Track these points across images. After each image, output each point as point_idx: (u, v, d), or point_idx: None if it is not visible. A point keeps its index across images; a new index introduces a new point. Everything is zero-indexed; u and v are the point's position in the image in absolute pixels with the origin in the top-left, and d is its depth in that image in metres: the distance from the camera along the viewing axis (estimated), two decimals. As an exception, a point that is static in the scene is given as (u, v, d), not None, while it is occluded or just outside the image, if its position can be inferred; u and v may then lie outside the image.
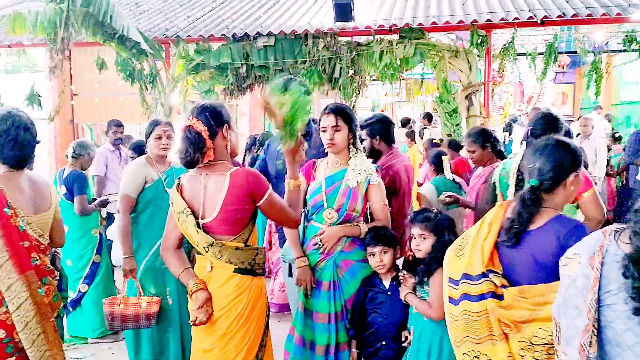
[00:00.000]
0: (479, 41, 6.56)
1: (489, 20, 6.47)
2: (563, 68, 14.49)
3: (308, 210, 3.06)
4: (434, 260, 2.56)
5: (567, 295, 1.50)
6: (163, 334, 3.49)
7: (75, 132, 8.97)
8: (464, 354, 2.08)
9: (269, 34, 7.05)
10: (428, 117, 9.57)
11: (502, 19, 6.48)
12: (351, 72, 7.02)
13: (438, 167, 4.60)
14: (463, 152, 6.66)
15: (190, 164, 2.37)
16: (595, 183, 5.89)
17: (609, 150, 7.56)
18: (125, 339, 3.70)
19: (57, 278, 2.67)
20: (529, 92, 16.51)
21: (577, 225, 1.95)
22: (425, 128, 9.30)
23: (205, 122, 2.35)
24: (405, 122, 11.13)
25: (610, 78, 11.23)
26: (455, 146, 5.82)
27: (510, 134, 9.90)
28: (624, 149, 8.73)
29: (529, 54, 8.28)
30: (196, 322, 2.37)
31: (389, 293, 2.84)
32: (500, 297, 1.97)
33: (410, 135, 9.33)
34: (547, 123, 3.11)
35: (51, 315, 2.46)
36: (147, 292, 3.46)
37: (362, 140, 3.26)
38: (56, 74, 6.24)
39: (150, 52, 6.90)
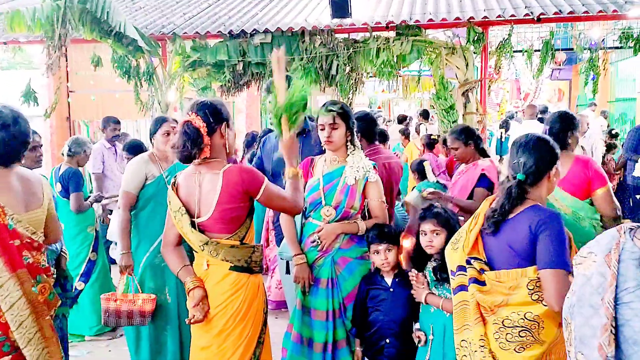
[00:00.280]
0: (475, 38, 6.57)
1: (485, 17, 6.47)
2: (559, 65, 14.49)
3: (306, 208, 3.06)
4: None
5: (582, 294, 1.51)
6: (161, 331, 3.50)
7: (72, 129, 8.94)
8: (462, 340, 2.20)
9: (266, 31, 7.04)
10: (424, 115, 9.57)
11: (498, 16, 6.48)
12: (348, 69, 7.01)
13: (421, 173, 4.71)
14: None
15: (186, 159, 2.37)
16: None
17: (614, 147, 7.58)
18: (125, 336, 3.70)
19: (55, 276, 2.66)
20: (526, 88, 16.53)
21: (550, 214, 2.06)
22: (421, 124, 9.30)
23: (204, 118, 2.35)
24: (402, 119, 11.14)
25: (606, 75, 11.25)
26: None
27: (506, 131, 9.90)
28: (620, 146, 8.77)
29: (526, 51, 8.30)
30: (192, 320, 2.37)
31: (391, 290, 2.84)
32: (482, 284, 2.12)
33: (404, 133, 9.34)
34: (563, 121, 3.24)
35: (47, 313, 2.44)
36: (147, 288, 3.46)
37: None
38: (53, 71, 6.22)
39: (147, 49, 6.87)
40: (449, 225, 2.64)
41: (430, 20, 6.66)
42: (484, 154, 3.94)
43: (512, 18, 6.48)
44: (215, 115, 2.37)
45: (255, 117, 12.82)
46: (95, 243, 4.59)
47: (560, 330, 1.96)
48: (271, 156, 3.53)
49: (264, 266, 5.28)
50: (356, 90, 7.29)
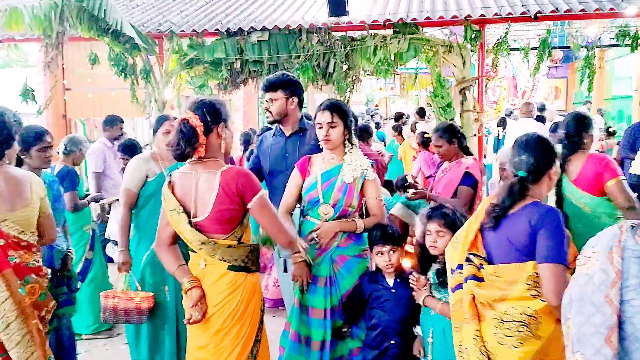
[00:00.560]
0: (472, 36, 6.57)
1: (482, 15, 6.47)
2: (556, 63, 14.53)
3: (304, 206, 3.06)
4: None
5: (584, 292, 1.51)
6: (159, 329, 3.50)
7: (68, 128, 8.92)
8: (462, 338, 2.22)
9: (263, 29, 7.02)
10: (421, 112, 9.57)
11: (495, 14, 6.48)
12: (345, 67, 7.00)
13: (404, 189, 4.79)
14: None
15: (180, 157, 2.35)
16: None
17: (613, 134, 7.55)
18: (126, 333, 3.71)
19: (54, 275, 2.64)
20: (523, 86, 16.54)
21: (549, 209, 2.10)
22: (416, 122, 9.30)
23: (201, 117, 2.34)
24: (398, 117, 11.15)
25: (602, 73, 11.28)
26: None
27: (504, 129, 9.92)
28: (617, 144, 8.78)
29: (522, 49, 8.29)
30: (191, 321, 2.37)
31: (393, 291, 2.83)
32: (480, 280, 2.16)
33: (397, 130, 9.35)
34: (578, 122, 3.39)
35: (34, 316, 2.39)
36: (147, 286, 3.46)
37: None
38: (52, 70, 6.20)
39: (144, 47, 6.86)
40: (455, 228, 2.59)
41: (428, 18, 6.66)
42: (467, 152, 3.98)
43: (509, 16, 6.48)
44: (213, 115, 2.36)
45: (252, 114, 12.82)
46: (92, 242, 4.58)
47: (558, 326, 1.97)
48: (268, 155, 3.53)
49: (261, 264, 5.32)
50: (353, 88, 7.28)
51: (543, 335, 2.03)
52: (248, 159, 6.29)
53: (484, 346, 2.10)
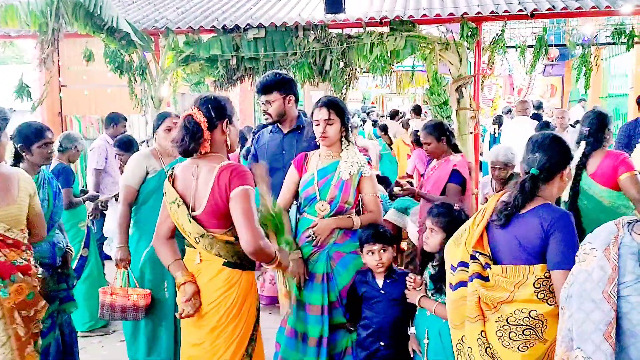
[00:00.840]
0: (469, 34, 6.56)
1: (479, 12, 6.47)
2: (552, 61, 14.56)
3: (300, 203, 3.07)
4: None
5: (584, 289, 1.52)
6: (157, 326, 3.50)
7: (63, 125, 8.88)
8: (463, 336, 2.22)
9: (259, 26, 7.00)
10: (416, 110, 9.59)
11: (492, 12, 6.48)
12: (342, 64, 6.99)
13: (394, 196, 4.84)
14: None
15: (184, 152, 2.36)
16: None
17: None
18: (123, 329, 3.71)
19: (39, 275, 2.60)
20: (519, 84, 16.59)
21: (563, 213, 2.07)
22: (409, 119, 9.33)
23: (206, 113, 2.34)
24: (394, 114, 11.15)
25: (598, 71, 11.31)
26: None
27: (499, 127, 9.93)
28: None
29: (519, 47, 8.30)
30: (182, 315, 2.36)
31: (382, 292, 2.82)
32: (485, 279, 2.12)
33: (383, 129, 9.36)
34: (601, 120, 3.56)
35: (13, 320, 2.36)
36: (146, 282, 3.46)
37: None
38: (47, 66, 6.16)
39: (140, 44, 6.83)
40: (450, 228, 2.59)
41: (424, 15, 6.65)
42: (456, 149, 3.98)
43: (506, 14, 6.48)
44: (217, 111, 2.36)
45: (248, 112, 12.80)
46: (87, 239, 4.57)
47: None
48: (265, 152, 3.53)
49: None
50: (350, 85, 7.27)
51: (549, 339, 2.01)
52: (245, 157, 6.28)
53: (489, 347, 2.08)
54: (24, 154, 3.14)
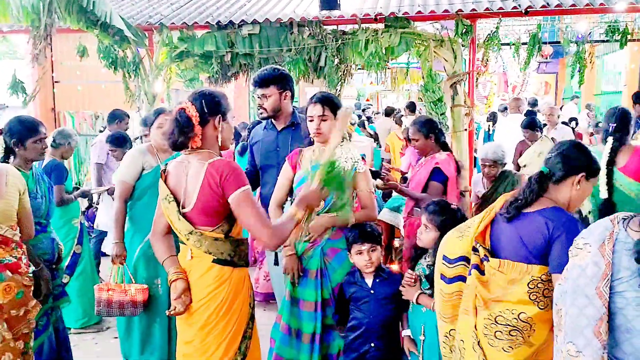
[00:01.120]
0: (463, 31, 6.56)
1: (473, 9, 6.47)
2: (546, 58, 14.60)
3: (295, 199, 3.05)
4: None
5: (577, 285, 1.52)
6: (152, 322, 3.49)
7: (57, 121, 8.84)
8: (452, 329, 2.23)
9: (254, 22, 6.98)
10: (411, 107, 9.58)
11: (486, 9, 6.48)
12: (336, 60, 6.98)
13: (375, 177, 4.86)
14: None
15: (174, 145, 2.34)
16: None
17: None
18: (117, 325, 3.70)
19: (30, 274, 2.58)
20: (513, 81, 16.63)
21: (569, 218, 2.05)
22: (402, 116, 9.33)
23: (198, 108, 2.31)
24: (389, 112, 11.15)
25: (592, 68, 11.35)
26: None
27: (494, 124, 9.95)
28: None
29: (513, 44, 8.32)
30: (172, 313, 2.35)
31: (372, 292, 2.78)
32: (482, 273, 2.11)
33: (362, 125, 9.38)
34: (625, 116, 3.67)
35: (1, 320, 2.34)
36: (140, 279, 3.46)
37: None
38: (40, 62, 6.12)
39: (133, 40, 6.80)
40: (444, 227, 2.60)
41: (419, 12, 6.65)
42: (445, 147, 3.94)
43: (500, 11, 6.49)
44: (210, 106, 2.34)
45: (243, 108, 12.77)
46: (80, 236, 4.55)
47: (551, 334, 1.96)
48: (260, 149, 3.52)
49: (252, 258, 5.32)
50: (345, 82, 7.27)
51: (535, 343, 2.00)
52: (240, 154, 6.27)
53: (479, 342, 2.08)
54: (16, 149, 3.10)
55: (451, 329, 2.22)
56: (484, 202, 4.19)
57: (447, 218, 2.65)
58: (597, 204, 3.63)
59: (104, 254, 5.32)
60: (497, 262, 2.09)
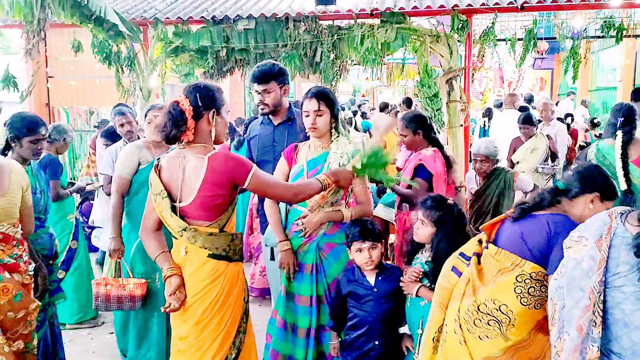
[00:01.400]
0: (459, 26, 6.56)
1: (469, 5, 6.47)
2: (542, 54, 14.62)
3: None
4: (440, 259, 2.49)
5: (572, 277, 1.53)
6: (149, 317, 3.49)
7: (51, 116, 8.79)
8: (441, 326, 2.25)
9: (250, 17, 6.96)
10: (407, 103, 9.57)
11: (482, 4, 6.48)
12: (332, 56, 6.97)
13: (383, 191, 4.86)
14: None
15: (166, 138, 2.33)
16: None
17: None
18: (114, 320, 3.69)
19: (30, 272, 2.56)
20: (509, 77, 16.63)
21: (574, 224, 2.04)
22: (398, 112, 9.33)
23: (192, 101, 2.30)
24: (384, 107, 11.16)
25: (587, 64, 11.37)
26: None
27: (489, 120, 9.96)
28: (597, 136, 8.86)
29: (509, 40, 8.32)
30: (167, 309, 2.34)
31: (375, 290, 2.74)
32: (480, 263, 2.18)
33: (350, 122, 9.37)
34: (632, 111, 3.81)
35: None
36: (137, 274, 3.45)
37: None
38: (33, 56, 6.09)
39: (128, 34, 6.77)
40: (439, 222, 2.59)
41: (415, 7, 6.65)
42: (436, 143, 3.87)
43: (496, 6, 6.49)
44: (205, 100, 2.32)
45: (238, 103, 12.73)
46: (76, 231, 4.54)
47: (531, 337, 2.00)
48: (256, 144, 3.52)
49: (248, 253, 5.31)
50: (340, 77, 7.26)
51: (511, 339, 2.01)
52: (236, 148, 6.25)
53: (460, 326, 2.11)
54: (12, 144, 3.08)
55: (441, 326, 2.23)
56: (477, 199, 4.18)
57: (444, 214, 2.64)
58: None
59: (94, 249, 5.30)
60: (494, 249, 2.14)
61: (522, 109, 8.64)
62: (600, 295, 1.45)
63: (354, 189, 3.00)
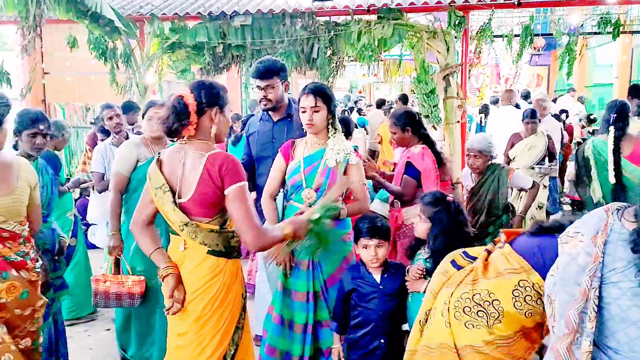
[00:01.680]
0: (456, 22, 6.55)
1: (466, 1, 6.46)
2: (538, 50, 14.64)
3: (287, 190, 3.05)
4: (437, 254, 2.49)
5: (568, 272, 1.53)
6: (151, 313, 3.48)
7: (47, 112, 8.77)
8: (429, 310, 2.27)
9: (246, 13, 6.94)
10: (403, 99, 9.58)
11: (479, 0, 6.48)
12: (329, 52, 6.96)
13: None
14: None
15: (168, 131, 2.33)
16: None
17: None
18: (115, 316, 3.69)
19: (38, 269, 2.56)
20: (505, 73, 16.65)
21: None
22: (391, 107, 9.35)
23: (196, 97, 2.31)
24: (381, 104, 11.16)
25: (584, 60, 11.41)
26: None
27: (486, 116, 9.97)
28: (591, 132, 8.88)
29: (506, 36, 8.33)
30: (169, 312, 2.33)
31: (381, 287, 2.73)
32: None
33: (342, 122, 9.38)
34: (625, 108, 3.97)
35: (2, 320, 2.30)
36: (137, 272, 3.44)
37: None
38: (28, 53, 6.06)
39: (124, 30, 6.74)
40: (435, 219, 2.59)
41: (412, 3, 6.64)
42: (426, 140, 3.83)
43: (493, 2, 6.49)
44: (209, 97, 2.33)
45: (235, 100, 12.70)
46: (75, 228, 4.53)
47: (516, 336, 2.01)
48: (255, 140, 3.52)
49: (246, 250, 5.31)
50: (337, 74, 7.25)
51: (494, 333, 2.02)
52: (233, 144, 6.25)
53: (448, 309, 2.13)
54: (16, 138, 3.14)
55: (429, 310, 2.26)
56: (472, 196, 4.18)
57: (439, 210, 2.64)
58: (606, 190, 3.93)
59: (92, 247, 5.28)
60: (509, 249, 2.12)
61: (518, 105, 8.66)
62: (595, 290, 1.45)
63: (351, 186, 3.00)
